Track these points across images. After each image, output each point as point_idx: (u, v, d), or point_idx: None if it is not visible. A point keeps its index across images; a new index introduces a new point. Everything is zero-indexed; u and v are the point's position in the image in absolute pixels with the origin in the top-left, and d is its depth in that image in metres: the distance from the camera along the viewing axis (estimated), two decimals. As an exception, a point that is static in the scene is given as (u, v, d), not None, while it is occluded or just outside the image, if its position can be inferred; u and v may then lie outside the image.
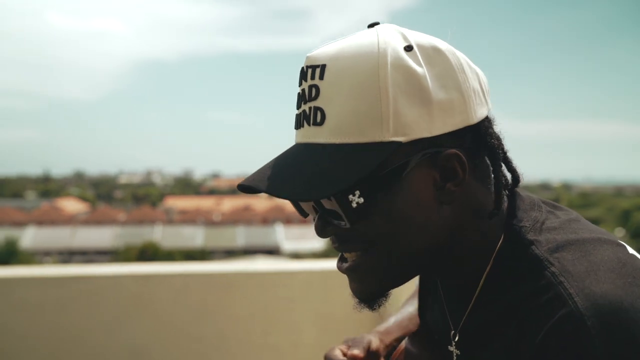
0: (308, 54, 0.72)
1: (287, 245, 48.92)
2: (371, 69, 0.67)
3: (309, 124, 0.70)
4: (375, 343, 0.93)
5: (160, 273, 2.52)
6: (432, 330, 0.90)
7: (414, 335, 0.93)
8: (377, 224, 0.70)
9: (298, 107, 0.72)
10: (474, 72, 0.74)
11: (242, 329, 2.45)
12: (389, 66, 0.67)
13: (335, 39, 0.74)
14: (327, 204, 0.71)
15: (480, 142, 0.73)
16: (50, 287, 2.43)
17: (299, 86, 0.73)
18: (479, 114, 0.72)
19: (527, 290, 0.68)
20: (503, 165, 0.77)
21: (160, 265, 2.67)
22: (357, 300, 0.76)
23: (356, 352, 0.89)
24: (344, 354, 0.91)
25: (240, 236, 51.53)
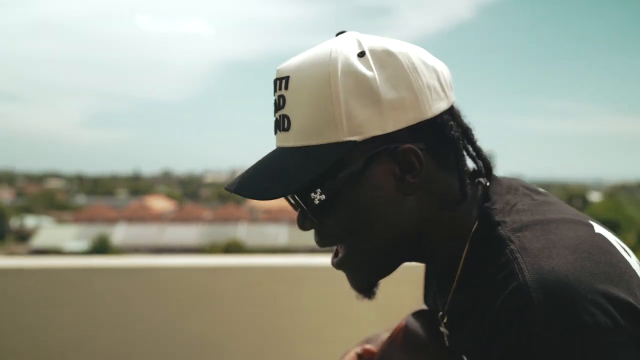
0: (278, 67, 0.79)
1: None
2: (323, 77, 0.74)
3: (280, 130, 0.78)
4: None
5: (226, 265, 2.54)
6: (431, 310, 0.95)
7: (416, 313, 0.94)
8: (344, 219, 0.77)
9: (274, 115, 0.78)
10: (430, 70, 0.78)
11: (302, 321, 2.43)
12: (339, 73, 0.73)
13: (304, 50, 0.80)
14: (296, 202, 0.77)
15: (440, 135, 0.78)
16: (120, 277, 2.49)
17: (273, 93, 0.78)
18: (435, 108, 0.77)
19: (492, 269, 0.72)
20: (473, 154, 0.83)
21: (225, 257, 2.68)
22: (357, 292, 0.84)
23: (369, 346, 0.97)
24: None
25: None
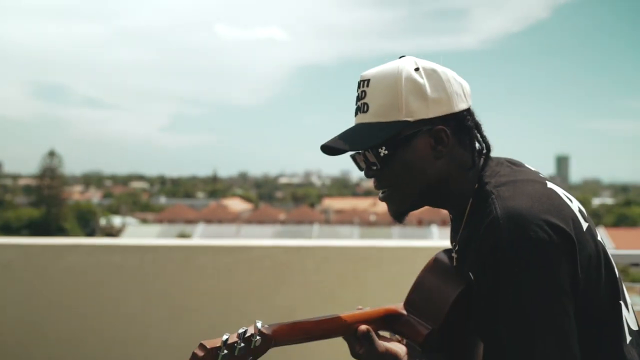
0: (362, 73, 1.22)
1: (443, 243, 48.14)
2: (394, 80, 1.16)
3: (360, 113, 1.19)
4: None
5: (307, 245, 3.05)
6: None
7: (444, 250, 1.31)
8: (396, 169, 1.17)
9: (355, 103, 1.22)
10: (457, 83, 1.19)
11: (374, 295, 2.88)
12: (403, 79, 1.16)
13: (382, 62, 1.25)
14: (369, 156, 1.18)
15: (461, 124, 1.19)
16: (221, 254, 3.04)
17: (357, 90, 1.22)
18: (459, 107, 1.18)
19: (482, 212, 1.12)
20: (480, 139, 1.23)
21: (307, 240, 3.18)
22: (391, 217, 1.24)
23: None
24: None
25: (395, 236, 51.84)
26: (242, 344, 1.03)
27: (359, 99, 1.21)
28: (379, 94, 1.17)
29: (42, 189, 57.93)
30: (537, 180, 1.16)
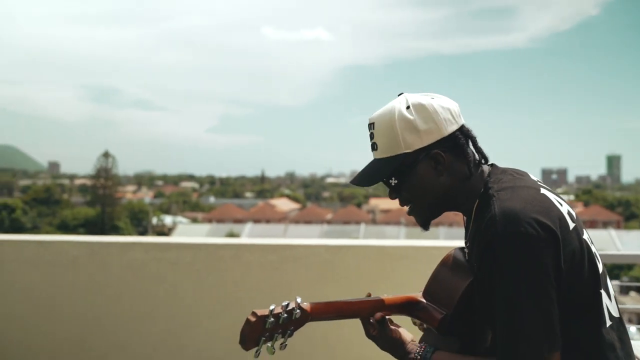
0: (369, 117, 1.46)
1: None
2: (390, 122, 1.40)
3: (373, 150, 1.44)
4: None
5: (348, 244, 3.24)
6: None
7: (459, 247, 1.52)
8: (409, 192, 1.42)
9: (370, 141, 1.45)
10: (445, 110, 1.40)
11: (410, 291, 3.05)
12: (396, 120, 1.38)
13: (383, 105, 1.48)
14: (385, 185, 1.42)
15: (454, 143, 1.40)
16: (267, 252, 3.26)
17: (368, 131, 1.45)
18: (449, 130, 1.39)
19: (484, 212, 1.32)
20: (474, 151, 1.45)
21: (347, 240, 3.39)
22: (421, 227, 1.49)
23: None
24: None
25: (441, 236, 51.39)
26: (285, 315, 1.25)
27: (370, 138, 1.46)
28: (382, 134, 1.41)
29: (97, 188, 59.79)
30: (532, 186, 1.37)
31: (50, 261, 3.41)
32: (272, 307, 1.25)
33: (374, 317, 1.41)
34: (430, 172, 1.39)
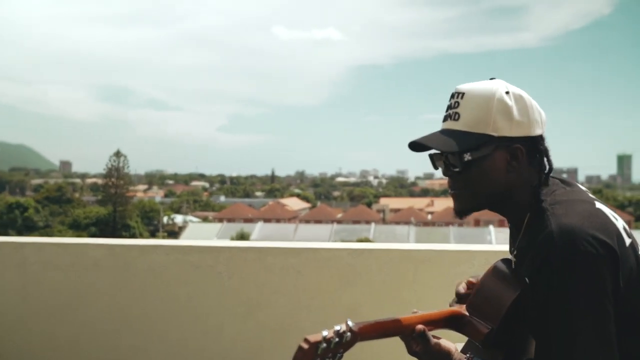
0: (457, 86, 1.40)
1: (499, 247, 47.56)
2: (488, 98, 1.34)
3: (450, 120, 1.38)
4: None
5: (370, 248, 3.22)
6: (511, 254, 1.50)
7: (502, 259, 1.48)
8: (474, 174, 1.37)
9: (446, 110, 1.41)
10: (537, 111, 1.37)
11: (433, 294, 3.04)
12: (496, 98, 1.34)
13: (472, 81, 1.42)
14: (451, 158, 1.37)
15: (535, 146, 1.36)
16: (289, 255, 3.25)
17: (450, 100, 1.40)
18: (536, 132, 1.37)
19: (538, 226, 1.29)
20: (547, 162, 1.40)
21: (369, 243, 3.37)
22: (455, 213, 1.45)
23: (473, 279, 1.51)
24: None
25: (452, 236, 51.32)
26: (337, 339, 1.23)
27: (450, 107, 1.40)
28: (472, 107, 1.35)
29: (108, 187, 60.10)
30: (587, 200, 1.34)
31: (71, 263, 3.41)
32: (324, 333, 1.23)
33: (416, 330, 1.37)
34: (503, 165, 1.35)
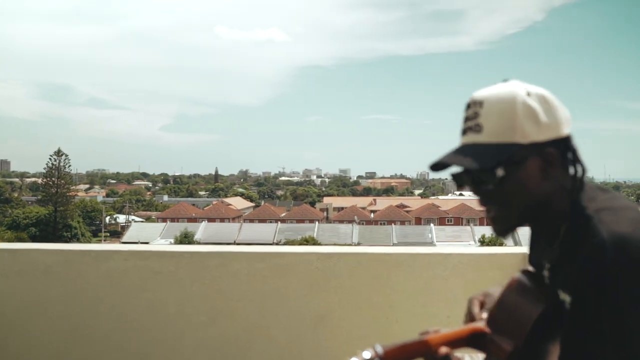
0: (473, 94, 1.28)
1: (440, 245, 48.73)
2: (511, 104, 1.23)
3: (471, 132, 1.26)
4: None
5: (340, 252, 3.11)
6: (534, 266, 1.41)
7: (523, 270, 1.39)
8: (509, 189, 1.25)
9: (464, 122, 1.29)
10: (563, 110, 1.27)
11: (406, 299, 2.96)
12: (520, 103, 1.23)
13: (489, 85, 1.31)
14: (483, 176, 1.25)
15: (566, 147, 1.27)
16: (255, 260, 3.11)
17: (466, 111, 1.28)
18: (565, 132, 1.27)
19: (582, 234, 1.19)
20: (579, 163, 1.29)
21: (340, 247, 3.27)
22: (496, 235, 1.32)
23: (484, 296, 1.44)
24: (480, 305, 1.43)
25: (394, 234, 52.03)
26: None
27: (469, 119, 1.28)
28: (495, 116, 1.23)
29: (49, 187, 58.22)
30: (631, 206, 1.25)
31: (19, 271, 3.17)
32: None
33: (439, 353, 1.27)
34: (537, 172, 1.25)
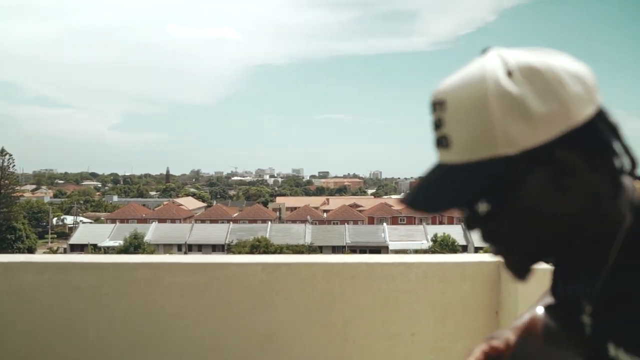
0: (434, 90, 0.87)
1: (393, 244, 49.10)
2: (479, 99, 0.81)
3: (440, 147, 0.86)
4: (512, 339, 1.04)
5: (288, 262, 2.74)
6: (562, 303, 0.98)
7: (545, 307, 1.02)
8: (508, 223, 0.85)
9: (433, 134, 0.87)
10: (573, 77, 0.82)
11: (364, 316, 2.61)
12: (493, 94, 0.80)
13: (455, 71, 0.88)
14: (466, 212, 0.87)
15: (589, 137, 0.82)
16: (192, 272, 2.71)
17: (431, 115, 0.87)
18: (583, 114, 0.81)
19: None
20: (621, 151, 0.85)
21: (288, 255, 2.89)
22: (516, 278, 0.90)
23: (496, 343, 1.05)
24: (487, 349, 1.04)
25: (347, 234, 52.11)
26: None
27: (435, 127, 0.87)
28: (462, 122, 0.83)
29: (-8, 187, 56.20)
30: None
31: None
32: None
33: None
34: (548, 189, 0.83)
